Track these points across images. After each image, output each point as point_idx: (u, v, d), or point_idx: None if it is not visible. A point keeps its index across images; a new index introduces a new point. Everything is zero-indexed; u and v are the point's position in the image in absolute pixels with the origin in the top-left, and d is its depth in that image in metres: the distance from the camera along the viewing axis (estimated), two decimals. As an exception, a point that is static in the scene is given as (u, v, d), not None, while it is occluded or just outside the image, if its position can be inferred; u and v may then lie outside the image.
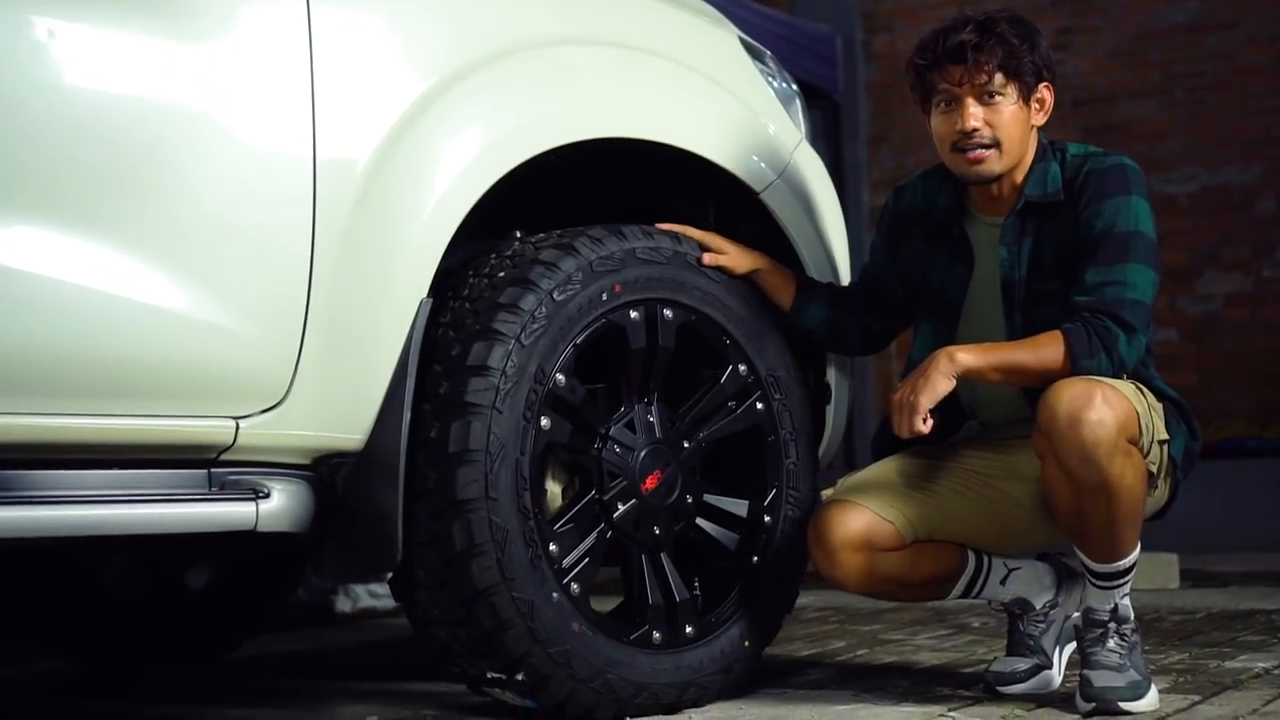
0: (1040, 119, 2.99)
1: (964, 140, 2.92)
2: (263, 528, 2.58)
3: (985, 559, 3.12)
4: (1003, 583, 3.14)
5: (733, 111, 3.22)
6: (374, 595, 5.67)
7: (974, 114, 2.91)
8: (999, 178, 2.96)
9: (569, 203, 3.27)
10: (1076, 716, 2.81)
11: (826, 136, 8.14)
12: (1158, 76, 7.89)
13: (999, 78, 2.91)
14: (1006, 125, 2.92)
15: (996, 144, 2.92)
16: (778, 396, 3.14)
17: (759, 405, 3.12)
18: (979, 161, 2.93)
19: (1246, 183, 7.68)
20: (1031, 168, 2.99)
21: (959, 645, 3.90)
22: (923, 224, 3.13)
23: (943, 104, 2.95)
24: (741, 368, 3.10)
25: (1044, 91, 2.98)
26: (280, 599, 4.28)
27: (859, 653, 3.85)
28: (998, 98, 2.92)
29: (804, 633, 4.27)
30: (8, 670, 4.31)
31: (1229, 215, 7.68)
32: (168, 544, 3.62)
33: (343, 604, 5.58)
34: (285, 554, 4.05)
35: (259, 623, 4.25)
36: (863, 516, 2.97)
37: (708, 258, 3.07)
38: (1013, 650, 3.16)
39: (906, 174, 8.23)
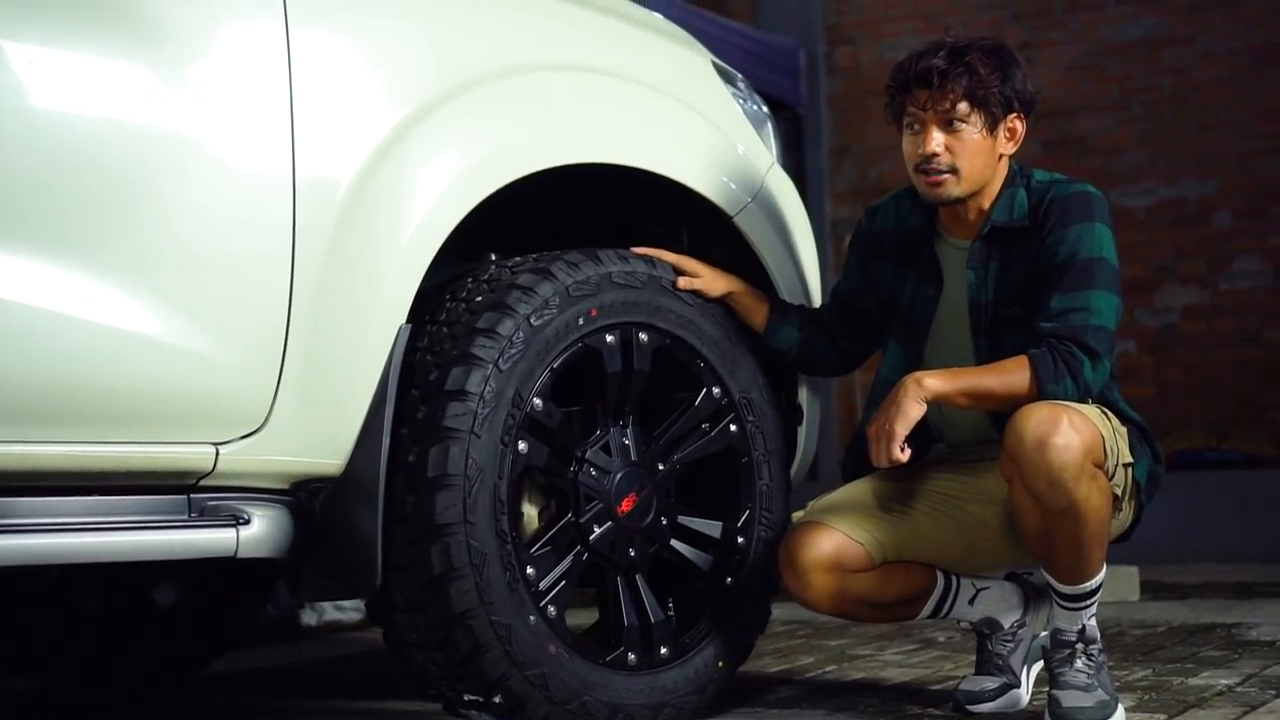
0: (1009, 148, 3.03)
1: (924, 164, 2.97)
2: (243, 554, 2.59)
3: (954, 579, 3.16)
4: (971, 602, 3.18)
5: (706, 136, 3.25)
6: (339, 609, 5.67)
7: (935, 139, 2.96)
8: (959, 200, 3.00)
9: (540, 223, 3.30)
10: (1046, 736, 2.86)
11: (789, 149, 8.19)
12: (1116, 91, 7.99)
13: (963, 106, 2.95)
14: (968, 153, 2.96)
15: (955, 170, 2.96)
16: (751, 418, 3.17)
17: (732, 427, 3.15)
18: (938, 185, 2.97)
19: (1203, 196, 7.78)
20: (1000, 194, 3.03)
21: (926, 661, 3.94)
22: (894, 244, 3.17)
23: (910, 126, 3.00)
24: (715, 390, 3.13)
25: (1014, 122, 3.01)
26: (251, 617, 4.27)
27: (828, 669, 3.88)
28: (960, 125, 2.95)
29: (772, 648, 4.30)
30: (-25, 688, 4.31)
31: (1186, 228, 7.78)
32: (144, 566, 3.62)
33: (308, 617, 5.58)
34: (255, 572, 4.05)
35: (229, 640, 4.24)
36: (833, 538, 3.01)
37: (682, 281, 3.10)
38: (981, 669, 3.20)
39: (868, 186, 8.42)
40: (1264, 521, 6.78)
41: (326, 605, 5.62)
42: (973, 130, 2.96)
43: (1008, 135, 3.01)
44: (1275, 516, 6.79)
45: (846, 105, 8.59)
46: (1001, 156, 3.02)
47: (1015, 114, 3.01)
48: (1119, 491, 2.90)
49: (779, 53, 8.33)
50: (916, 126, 2.99)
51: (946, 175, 2.96)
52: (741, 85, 3.51)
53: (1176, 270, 7.77)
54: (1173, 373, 7.66)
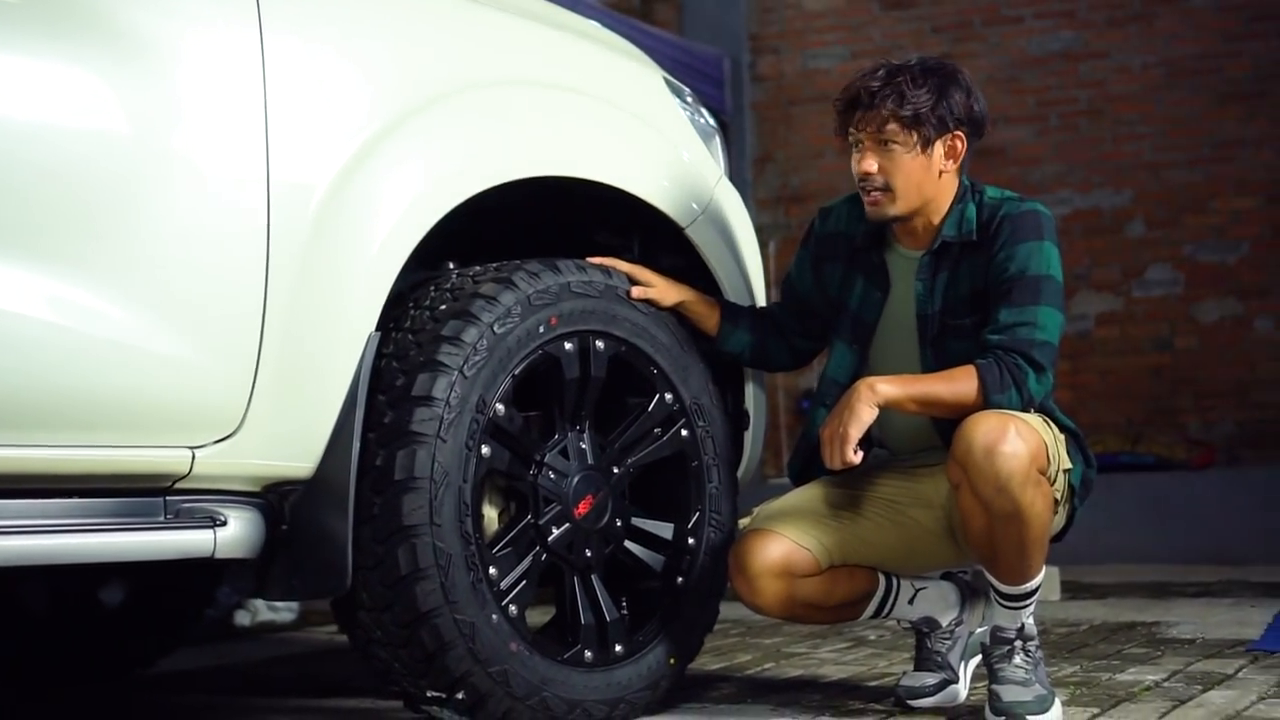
0: (950, 166, 3.11)
1: (861, 183, 3.08)
2: (220, 555, 2.66)
3: (894, 580, 3.27)
4: (911, 602, 3.29)
5: (661, 150, 3.35)
6: (273, 609, 5.72)
7: (869, 159, 3.06)
8: (897, 219, 3.11)
9: (492, 231, 3.37)
10: (986, 729, 2.99)
11: (713, 156, 8.30)
12: (1033, 103, 8.17)
13: (892, 126, 3.04)
14: (901, 172, 3.06)
15: (889, 189, 3.06)
16: (701, 423, 3.27)
17: (684, 432, 3.25)
18: (875, 205, 3.09)
19: (1117, 206, 7.98)
20: (950, 209, 3.13)
21: (860, 658, 4.06)
22: (845, 247, 3.27)
23: (853, 146, 3.10)
24: (668, 396, 3.23)
25: (954, 140, 3.10)
26: (195, 617, 4.32)
27: (766, 666, 3.99)
28: (893, 145, 3.05)
29: (709, 645, 4.39)
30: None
31: (1101, 237, 7.98)
32: (92, 566, 3.65)
33: (242, 618, 5.62)
34: (200, 572, 4.09)
35: (174, 640, 4.28)
36: (781, 544, 3.11)
37: (636, 291, 3.19)
38: (921, 665, 3.32)
39: (790, 193, 8.57)
40: (1177, 523, 6.98)
41: (260, 606, 5.67)
42: (904, 150, 3.05)
43: (946, 153, 3.10)
44: (1188, 518, 6.99)
45: (770, 113, 8.73)
46: (942, 174, 3.11)
47: (953, 133, 3.10)
48: (1058, 496, 3.02)
49: (704, 61, 8.44)
50: (856, 146, 3.09)
51: (881, 194, 3.07)
52: (689, 99, 3.61)
53: (1091, 278, 7.96)
54: (1088, 378, 7.86)
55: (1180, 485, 7.18)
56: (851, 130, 3.09)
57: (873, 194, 3.07)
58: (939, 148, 3.09)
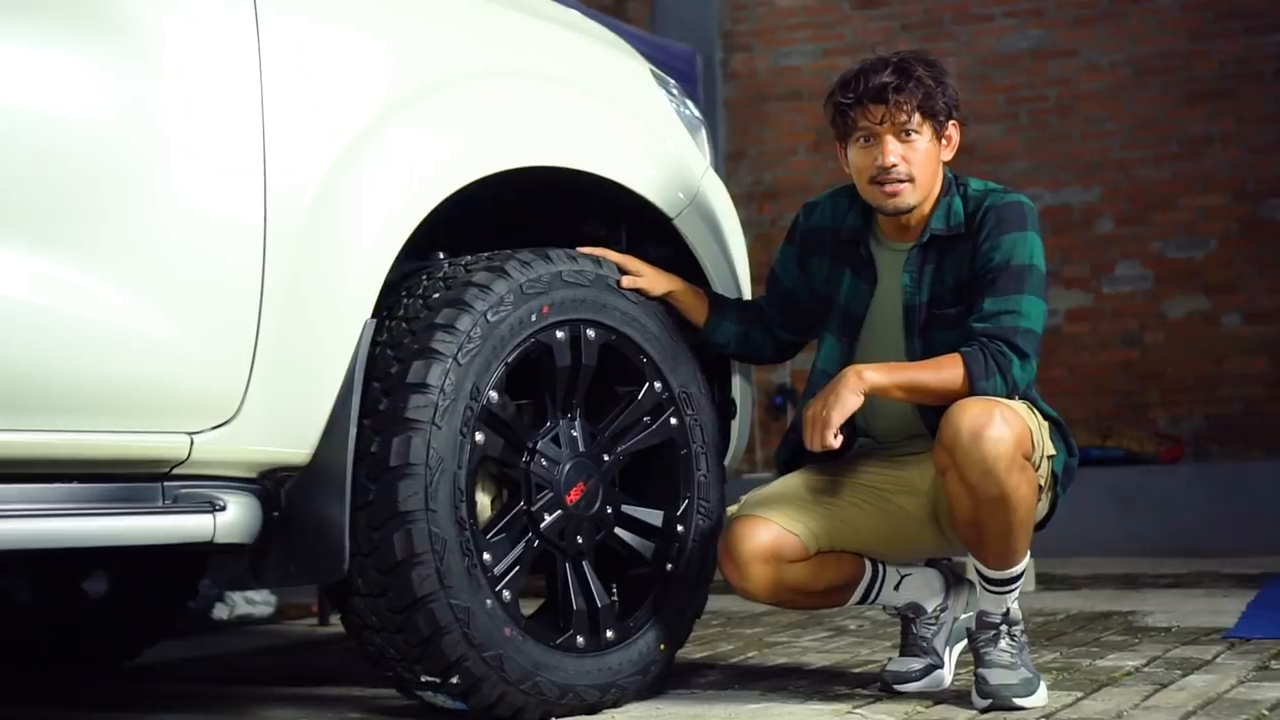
0: (948, 154, 3.20)
1: (882, 174, 3.11)
2: (219, 539, 2.69)
3: (880, 567, 3.31)
4: (896, 588, 3.33)
5: (648, 141, 3.39)
6: (250, 602, 5.72)
7: (893, 150, 3.11)
8: (913, 209, 3.15)
9: (477, 222, 3.40)
10: (973, 712, 3.02)
11: (686, 152, 8.32)
12: (1003, 100, 8.23)
13: (916, 117, 3.11)
14: (921, 161, 3.12)
15: (911, 179, 3.12)
16: (689, 412, 3.31)
17: (673, 420, 3.29)
18: (895, 195, 3.12)
19: (1087, 203, 8.05)
20: (937, 201, 3.19)
21: (843, 647, 4.10)
22: (831, 241, 3.31)
23: (862, 140, 3.14)
24: (657, 385, 3.26)
25: (952, 129, 3.19)
26: (179, 607, 4.33)
27: (749, 655, 4.03)
28: (914, 135, 3.12)
29: (691, 636, 4.37)
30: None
31: (1070, 234, 8.04)
32: (78, 556, 3.67)
33: (220, 611, 5.63)
34: (184, 561, 4.11)
35: (158, 630, 4.29)
36: (769, 530, 3.15)
37: (626, 280, 3.22)
38: (906, 651, 3.36)
39: (763, 189, 8.61)
40: (1145, 516, 7.05)
41: (238, 599, 5.67)
42: (923, 139, 3.13)
43: (946, 141, 3.19)
44: (1156, 511, 7.06)
45: (743, 110, 8.77)
46: (942, 163, 3.19)
47: (953, 121, 3.19)
48: (1042, 482, 3.07)
49: (676, 58, 8.44)
50: (870, 140, 3.13)
51: (905, 184, 3.11)
52: (675, 91, 3.65)
53: (1061, 274, 8.01)
54: (1057, 373, 7.92)
55: (1149, 479, 7.24)
56: (866, 124, 3.12)
57: (895, 185, 3.12)
58: (943, 137, 3.17)
